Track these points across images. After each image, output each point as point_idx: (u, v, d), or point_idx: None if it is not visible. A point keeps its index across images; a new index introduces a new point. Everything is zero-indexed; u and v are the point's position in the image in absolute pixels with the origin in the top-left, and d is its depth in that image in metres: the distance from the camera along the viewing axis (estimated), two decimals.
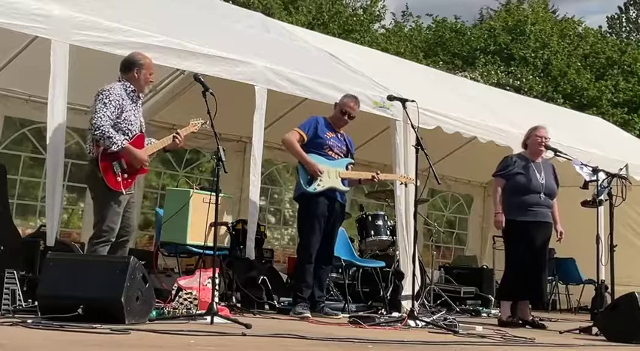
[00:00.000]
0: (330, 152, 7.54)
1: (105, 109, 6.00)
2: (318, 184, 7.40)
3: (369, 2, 27.70)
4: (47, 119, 6.18)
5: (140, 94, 6.33)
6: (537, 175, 8.04)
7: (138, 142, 6.21)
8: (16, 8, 5.96)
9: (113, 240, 6.11)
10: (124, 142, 6.03)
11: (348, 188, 7.72)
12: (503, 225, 7.90)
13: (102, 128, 5.96)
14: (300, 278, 7.49)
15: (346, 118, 7.65)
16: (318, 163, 7.41)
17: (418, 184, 7.55)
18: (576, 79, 26.94)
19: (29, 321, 4.97)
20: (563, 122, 12.27)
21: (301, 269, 7.47)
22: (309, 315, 7.16)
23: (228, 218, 7.61)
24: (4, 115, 8.84)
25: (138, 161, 6.15)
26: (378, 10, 28.08)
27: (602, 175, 8.29)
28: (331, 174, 7.47)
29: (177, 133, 6.43)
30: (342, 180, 7.56)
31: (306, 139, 7.47)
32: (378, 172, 7.89)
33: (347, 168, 7.61)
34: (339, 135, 7.68)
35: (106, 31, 6.45)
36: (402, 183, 8.09)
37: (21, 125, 9.07)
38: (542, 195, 8.00)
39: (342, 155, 7.64)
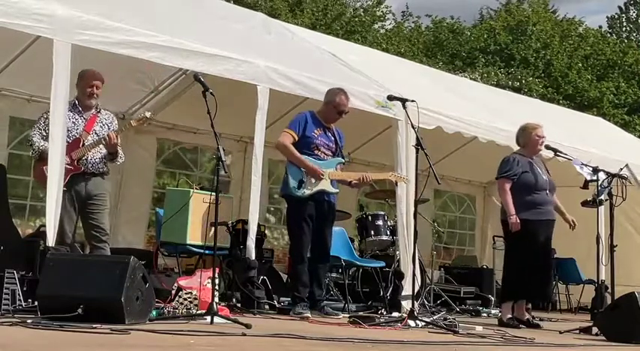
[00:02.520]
0: (317, 151, 7.45)
1: (37, 123, 6.72)
2: (308, 188, 7.35)
3: (369, 3, 27.65)
4: (49, 119, 6.19)
5: (83, 106, 6.74)
6: (540, 172, 8.01)
7: (71, 146, 6.58)
8: (19, 8, 5.94)
9: (68, 241, 6.50)
10: (40, 147, 6.53)
11: (337, 190, 7.59)
12: (519, 227, 7.71)
13: (28, 138, 6.71)
14: (295, 279, 7.49)
15: (340, 115, 7.57)
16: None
17: (410, 182, 7.46)
18: (577, 80, 26.89)
19: (29, 321, 4.98)
20: (563, 122, 12.27)
21: (295, 270, 7.47)
22: (309, 315, 7.15)
23: (227, 218, 7.61)
24: (9, 116, 8.82)
25: None
26: (381, 11, 28.00)
27: (602, 175, 8.29)
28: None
29: (109, 135, 6.70)
30: (332, 181, 7.49)
31: (296, 139, 7.41)
32: (367, 173, 7.81)
33: (336, 168, 7.55)
34: (327, 131, 7.59)
35: (108, 31, 6.44)
36: (394, 181, 8.00)
37: (21, 125, 9.04)
38: (547, 192, 7.97)
39: (329, 153, 7.55)
